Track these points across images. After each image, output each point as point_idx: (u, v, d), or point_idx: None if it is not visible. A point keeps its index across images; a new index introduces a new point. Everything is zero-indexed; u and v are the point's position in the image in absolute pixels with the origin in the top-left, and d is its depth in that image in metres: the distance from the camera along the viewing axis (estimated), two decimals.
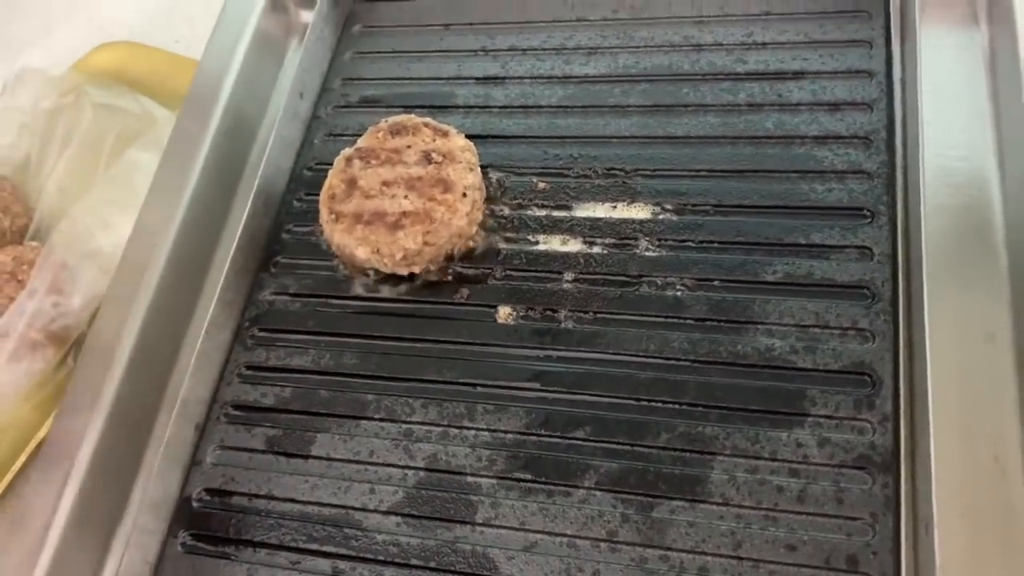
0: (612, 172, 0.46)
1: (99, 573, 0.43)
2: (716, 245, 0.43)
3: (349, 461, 0.42)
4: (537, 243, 0.45)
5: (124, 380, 0.45)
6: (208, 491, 0.43)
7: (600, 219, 0.45)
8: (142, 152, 0.60)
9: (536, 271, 0.45)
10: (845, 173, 0.43)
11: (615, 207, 0.45)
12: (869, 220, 0.42)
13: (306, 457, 0.43)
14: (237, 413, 0.45)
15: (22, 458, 0.49)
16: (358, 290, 0.47)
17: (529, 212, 0.46)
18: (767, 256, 0.42)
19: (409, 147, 0.46)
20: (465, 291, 0.45)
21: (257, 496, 0.43)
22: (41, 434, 0.50)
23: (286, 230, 0.50)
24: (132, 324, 0.46)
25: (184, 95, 0.55)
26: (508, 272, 0.45)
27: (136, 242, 0.49)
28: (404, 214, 0.44)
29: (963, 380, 0.37)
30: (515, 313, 0.44)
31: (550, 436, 0.40)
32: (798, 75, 0.46)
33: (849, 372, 0.39)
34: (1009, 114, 0.42)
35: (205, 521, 0.43)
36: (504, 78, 0.52)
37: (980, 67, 0.45)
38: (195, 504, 0.43)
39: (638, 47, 0.50)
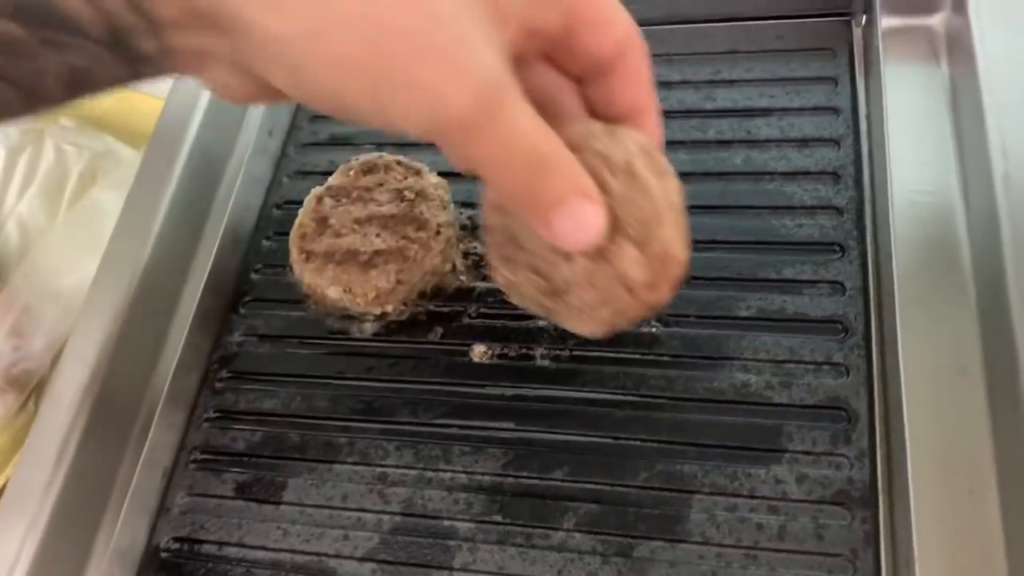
0: None
1: None
2: (689, 281, 0.43)
3: (322, 507, 0.41)
4: None
5: (88, 425, 0.44)
6: (177, 539, 0.42)
7: None
8: (106, 191, 0.59)
9: (511, 309, 0.44)
10: (815, 208, 0.44)
11: None
12: (840, 255, 0.42)
13: (277, 503, 0.42)
14: (206, 458, 0.44)
15: None
16: (330, 331, 0.46)
17: None
18: (740, 292, 0.42)
19: (381, 185, 0.46)
20: (439, 330, 0.45)
21: (227, 544, 0.41)
22: (0, 482, 0.48)
23: (255, 270, 0.49)
24: (97, 367, 0.45)
25: (149, 133, 0.54)
26: (483, 310, 0.45)
27: (101, 283, 0.48)
28: (377, 253, 0.43)
29: (937, 413, 0.38)
30: (490, 352, 0.43)
31: (528, 477, 0.40)
32: (766, 112, 0.47)
33: (825, 407, 0.39)
34: (972, 149, 0.43)
35: (174, 570, 0.41)
36: None
37: (943, 103, 0.46)
38: (163, 553, 0.42)
39: None
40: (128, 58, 0.25)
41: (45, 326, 0.53)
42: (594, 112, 0.34)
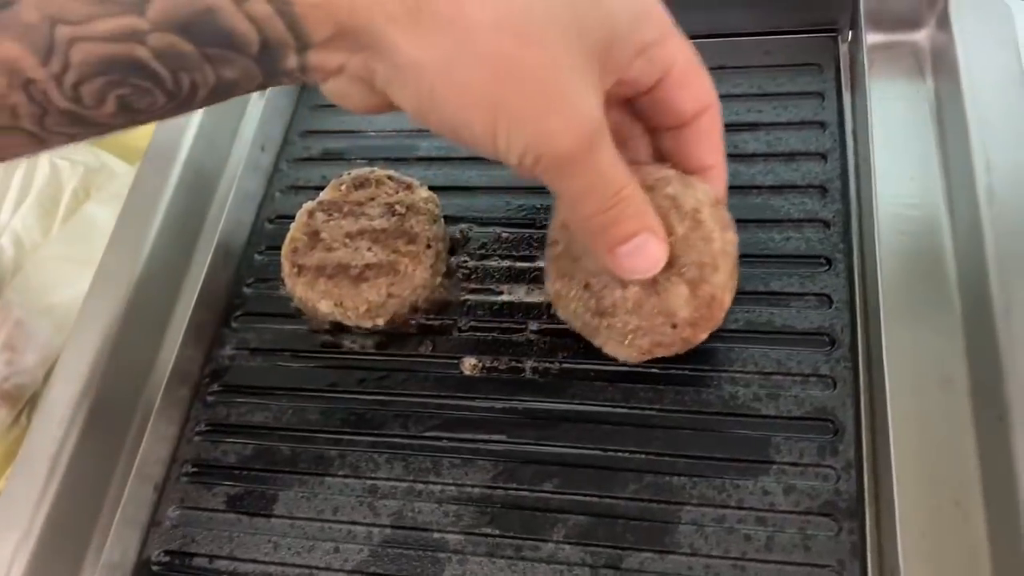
0: None
1: None
2: None
3: (312, 520, 0.41)
4: (501, 293, 0.46)
5: (80, 439, 0.44)
6: (168, 552, 0.42)
7: None
8: (99, 206, 0.60)
9: (501, 322, 0.45)
10: (802, 222, 0.44)
11: None
12: (827, 268, 0.42)
13: (268, 516, 0.42)
14: (197, 471, 0.44)
15: None
16: (321, 344, 0.46)
17: (493, 263, 0.47)
18: None
19: (372, 199, 0.46)
20: (429, 343, 0.45)
21: (218, 557, 0.41)
22: None
23: (247, 284, 0.49)
24: (89, 380, 0.45)
25: (143, 148, 0.55)
26: (473, 323, 0.45)
27: (94, 296, 0.48)
28: (368, 266, 0.44)
29: (923, 425, 0.38)
30: (480, 364, 0.44)
31: (517, 489, 0.40)
32: (753, 126, 0.47)
33: (812, 419, 0.39)
34: (957, 163, 0.44)
35: None
36: None
37: (928, 117, 0.46)
38: (154, 567, 0.42)
39: None
40: (270, 71, 0.28)
41: (38, 340, 0.53)
42: (661, 159, 0.37)
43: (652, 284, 0.36)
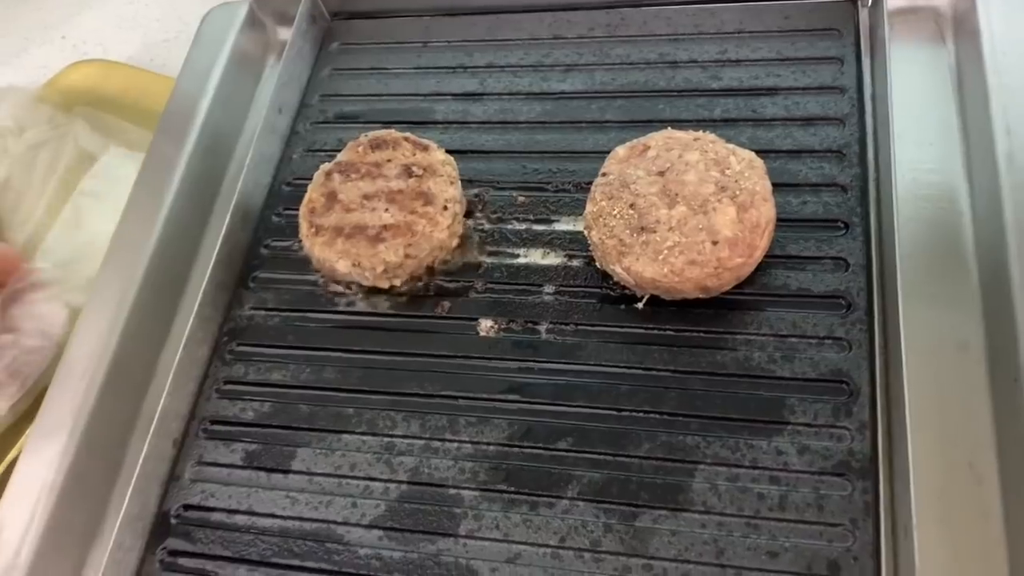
0: (590, 186, 0.46)
1: None
2: None
3: (330, 475, 0.42)
4: (517, 256, 0.46)
5: (100, 396, 0.45)
6: (187, 507, 0.43)
7: (579, 232, 0.45)
8: (92, 180, 0.60)
9: (517, 284, 0.45)
10: (819, 186, 0.44)
11: None
12: (844, 232, 0.42)
13: (286, 472, 0.42)
14: (216, 428, 0.45)
15: None
16: (338, 304, 0.47)
17: (509, 226, 0.47)
18: None
19: (389, 161, 0.46)
20: (446, 304, 0.45)
21: (237, 512, 0.42)
22: (13, 454, 0.49)
23: (264, 245, 0.50)
24: (109, 339, 0.46)
25: (158, 112, 0.55)
26: (489, 285, 0.45)
27: (113, 258, 0.49)
28: (385, 227, 0.44)
29: (938, 387, 0.38)
30: (496, 326, 0.44)
31: (532, 447, 0.41)
32: (772, 91, 0.47)
33: (827, 380, 0.39)
34: (976, 129, 0.43)
35: (184, 537, 0.42)
36: (482, 94, 0.52)
37: (947, 83, 0.46)
38: (173, 520, 0.43)
39: (614, 64, 0.51)
40: None
41: (53, 316, 0.54)
42: None
43: (702, 206, 0.40)
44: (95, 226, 0.55)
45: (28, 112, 0.59)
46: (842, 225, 0.43)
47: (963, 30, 0.46)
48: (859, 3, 0.49)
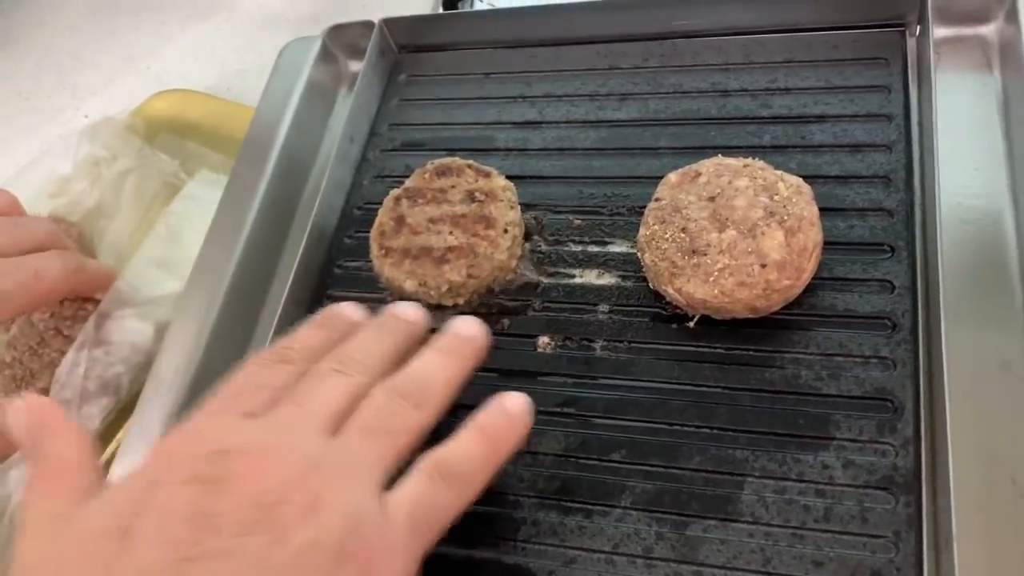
0: (644, 210, 0.49)
1: None
2: None
3: None
4: (574, 277, 0.48)
5: (188, 406, 0.48)
6: None
7: (633, 254, 0.47)
8: (180, 202, 0.64)
9: (573, 303, 0.47)
10: (866, 211, 0.45)
11: None
12: (890, 255, 0.44)
13: None
14: None
15: None
16: None
17: (566, 248, 0.49)
18: None
19: (454, 187, 0.49)
20: (506, 321, 0.48)
21: None
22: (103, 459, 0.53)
23: (337, 265, 0.53)
24: (195, 353, 0.50)
25: (235, 139, 0.59)
26: (546, 304, 0.48)
27: (198, 276, 0.53)
28: (449, 249, 0.47)
29: (980, 405, 0.39)
30: (553, 342, 0.46)
31: (587, 458, 0.43)
32: (820, 119, 0.49)
33: (872, 398, 0.41)
34: (1022, 155, 0.45)
35: None
36: (541, 123, 0.55)
37: (994, 110, 0.47)
38: None
39: (667, 93, 0.53)
40: None
41: (141, 332, 0.57)
42: None
43: (751, 230, 0.42)
44: (181, 246, 0.58)
45: (121, 141, 0.64)
46: (888, 248, 0.44)
47: (1010, 58, 0.48)
48: (906, 32, 0.50)
